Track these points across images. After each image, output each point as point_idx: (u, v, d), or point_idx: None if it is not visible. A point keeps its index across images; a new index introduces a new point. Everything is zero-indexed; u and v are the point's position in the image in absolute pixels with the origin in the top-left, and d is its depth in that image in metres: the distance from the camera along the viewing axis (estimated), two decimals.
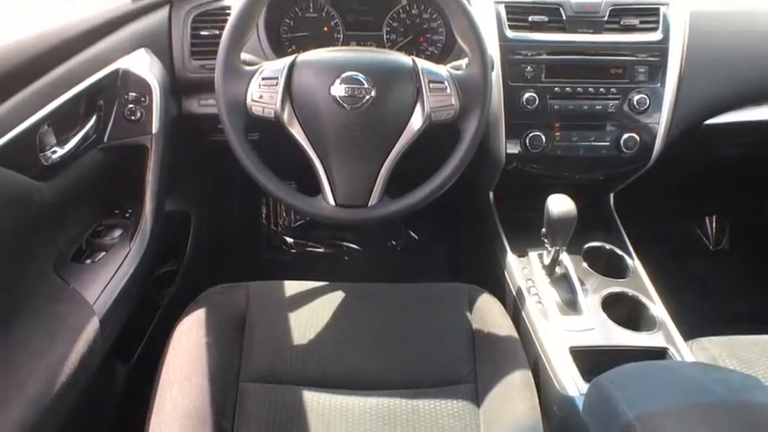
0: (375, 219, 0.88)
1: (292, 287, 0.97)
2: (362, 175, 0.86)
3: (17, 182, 0.70)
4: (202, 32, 1.05)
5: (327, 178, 0.86)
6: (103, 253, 0.89)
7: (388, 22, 1.18)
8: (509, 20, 1.04)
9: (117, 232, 0.93)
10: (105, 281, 0.84)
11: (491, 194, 1.23)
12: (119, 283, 0.85)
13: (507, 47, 1.03)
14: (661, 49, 1.04)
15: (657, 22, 1.05)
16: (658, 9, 1.06)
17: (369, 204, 0.87)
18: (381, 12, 1.17)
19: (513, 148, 1.07)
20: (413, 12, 1.17)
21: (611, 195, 1.25)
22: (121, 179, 0.96)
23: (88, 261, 0.88)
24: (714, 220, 1.78)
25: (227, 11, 1.06)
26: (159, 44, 1.02)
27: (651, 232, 1.54)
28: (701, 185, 1.60)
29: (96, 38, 0.87)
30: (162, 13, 1.05)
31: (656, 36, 1.05)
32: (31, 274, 0.78)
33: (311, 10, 1.17)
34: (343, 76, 0.82)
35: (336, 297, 0.96)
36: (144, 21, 1.00)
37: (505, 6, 1.04)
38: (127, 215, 0.96)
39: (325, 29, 1.18)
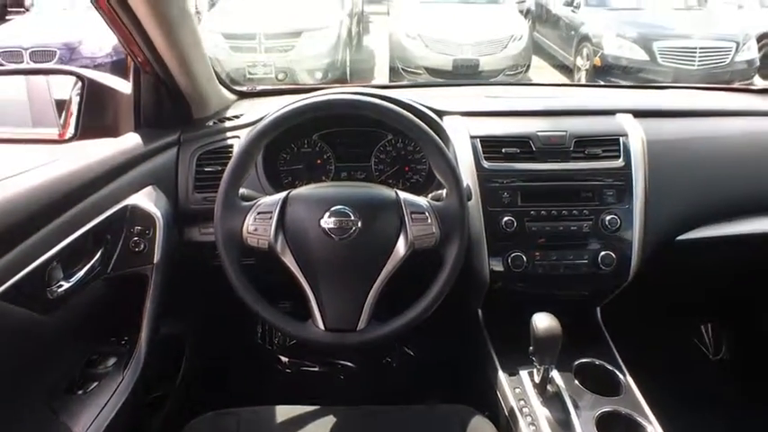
0: (363, 343, 0.91)
1: (284, 413, 0.97)
2: (351, 300, 0.90)
3: (20, 318, 0.74)
4: (206, 168, 1.16)
5: (317, 304, 0.90)
6: (96, 383, 0.90)
7: (375, 155, 1.29)
8: (485, 152, 1.15)
9: (111, 360, 0.95)
10: (95, 412, 0.84)
11: (480, 312, 1.26)
12: (109, 414, 0.86)
13: (484, 176, 1.13)
14: (625, 174, 1.14)
15: (618, 150, 1.16)
16: (618, 139, 1.17)
17: (357, 329, 0.90)
18: (369, 145, 1.29)
19: (497, 268, 1.13)
20: (398, 145, 1.29)
21: (598, 310, 1.28)
22: (120, 308, 1.00)
23: (80, 392, 0.89)
24: (711, 328, 1.78)
25: (230, 149, 1.17)
26: (166, 180, 1.12)
27: (647, 344, 1.54)
28: (694, 295, 1.63)
29: (110, 179, 0.97)
30: (170, 153, 1.16)
31: (618, 163, 1.15)
32: (20, 409, 0.78)
33: (306, 145, 1.29)
34: (332, 209, 0.90)
35: (328, 422, 0.95)
36: (154, 161, 1.11)
37: (481, 140, 1.16)
38: (123, 342, 0.99)
39: (319, 161, 1.30)
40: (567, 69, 6.43)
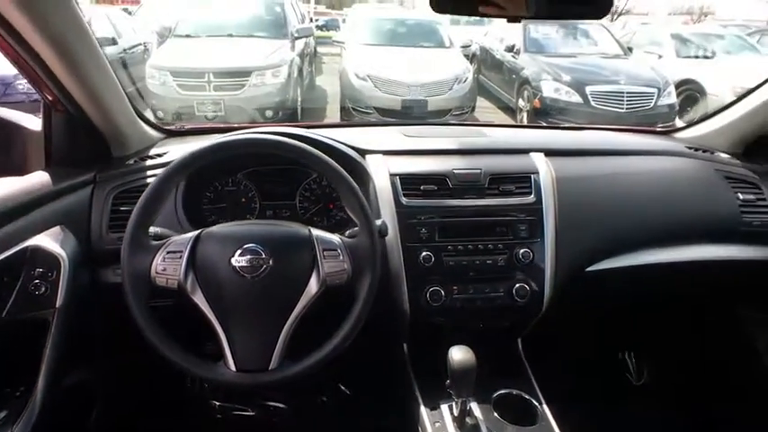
0: (276, 382, 0.90)
1: None
2: (263, 339, 0.90)
3: None
4: (122, 208, 1.13)
5: (229, 344, 0.89)
6: None
7: (300, 193, 1.31)
8: (403, 189, 1.18)
9: (1, 414, 0.89)
10: None
11: (405, 346, 1.27)
12: None
13: (403, 212, 1.16)
14: (536, 210, 1.20)
15: (530, 186, 1.22)
16: (530, 176, 1.24)
17: (269, 368, 0.89)
18: (294, 183, 1.31)
19: (416, 303, 1.15)
20: (322, 183, 1.31)
21: (519, 341, 1.31)
22: (16, 355, 0.95)
23: None
24: (633, 355, 1.85)
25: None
26: (77, 220, 1.09)
27: (571, 373, 1.59)
28: (613, 324, 1.70)
29: (9, 219, 0.93)
30: (84, 192, 1.13)
31: (530, 199, 1.21)
32: None
33: (230, 184, 1.29)
34: (244, 247, 0.90)
35: None
36: (64, 200, 1.08)
37: (400, 178, 1.19)
38: (18, 394, 0.93)
39: (244, 200, 1.30)
40: (510, 110, 6.75)
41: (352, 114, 5.83)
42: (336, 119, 6.15)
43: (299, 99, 6.01)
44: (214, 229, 0.95)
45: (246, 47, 5.80)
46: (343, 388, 1.72)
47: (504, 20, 0.88)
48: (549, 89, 5.91)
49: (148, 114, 1.39)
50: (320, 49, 9.46)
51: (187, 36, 6.05)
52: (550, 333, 1.34)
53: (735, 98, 1.46)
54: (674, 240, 1.29)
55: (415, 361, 1.25)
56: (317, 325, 0.94)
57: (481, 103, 6.86)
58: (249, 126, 1.48)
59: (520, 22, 0.87)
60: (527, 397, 1.14)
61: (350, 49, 6.40)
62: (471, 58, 8.01)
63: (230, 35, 6.03)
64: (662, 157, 1.42)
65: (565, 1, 0.85)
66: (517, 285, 1.17)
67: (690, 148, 1.47)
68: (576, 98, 5.79)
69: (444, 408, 1.10)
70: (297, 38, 6.29)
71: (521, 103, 6.37)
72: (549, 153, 1.31)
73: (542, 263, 1.18)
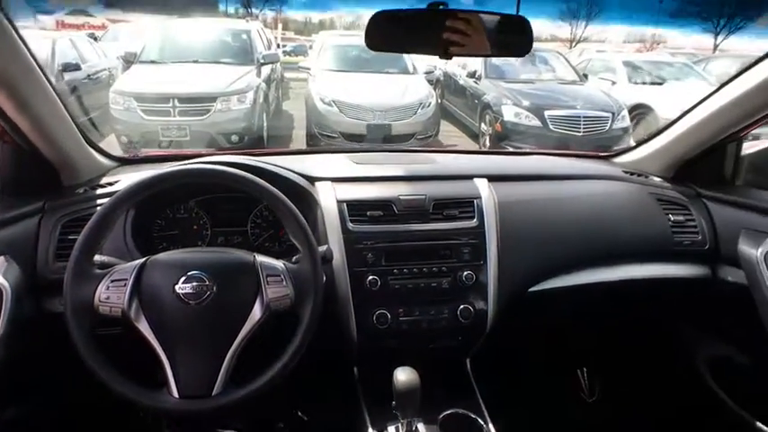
0: (220, 408, 0.91)
1: None
2: (206, 365, 0.91)
3: None
4: (69, 236, 1.13)
5: (172, 371, 0.90)
6: None
7: (252, 219, 1.33)
8: (350, 215, 1.22)
9: None
10: None
11: (356, 369, 1.29)
12: None
13: (350, 238, 1.20)
14: (479, 233, 1.25)
15: (473, 211, 1.28)
16: (473, 201, 1.29)
17: (213, 394, 0.90)
18: (246, 210, 1.33)
19: (363, 326, 1.18)
20: (271, 207, 1.34)
21: (468, 361, 1.35)
22: None
23: None
24: (585, 372, 1.91)
25: None
26: (23, 250, 1.09)
27: (523, 391, 1.63)
28: (564, 340, 1.76)
29: None
30: (31, 221, 1.13)
31: (473, 223, 1.27)
32: None
33: (182, 211, 1.31)
34: (188, 275, 0.92)
35: None
36: (9, 230, 1.08)
37: (347, 204, 1.23)
38: None
39: (195, 227, 1.31)
40: (473, 134, 6.93)
41: (318, 139, 5.89)
42: (303, 143, 6.20)
43: (266, 124, 6.05)
44: (160, 256, 0.96)
45: (212, 73, 5.83)
46: (300, 414, 1.71)
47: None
48: (510, 114, 6.11)
49: (112, 139, 1.40)
50: (287, 75, 9.54)
51: (152, 62, 6.04)
52: (501, 352, 1.38)
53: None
54: (611, 260, 1.37)
55: (365, 384, 1.27)
56: (263, 350, 0.95)
57: (446, 127, 7.03)
58: (206, 154, 1.50)
59: (451, 59, 0.93)
60: (473, 416, 1.17)
61: (316, 74, 6.49)
62: (435, 83, 8.22)
63: (196, 61, 6.04)
64: (600, 181, 1.51)
65: (490, 42, 0.92)
66: (461, 306, 1.21)
67: (626, 172, 1.56)
68: (536, 122, 6.00)
69: (391, 429, 1.12)
70: (263, 64, 6.36)
71: (483, 127, 6.56)
72: (492, 178, 1.37)
73: (485, 284, 1.23)
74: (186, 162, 1.10)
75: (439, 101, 6.65)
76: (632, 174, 1.55)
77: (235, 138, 5.48)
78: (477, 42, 0.91)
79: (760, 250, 1.23)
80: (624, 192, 1.47)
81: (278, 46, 9.28)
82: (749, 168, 1.41)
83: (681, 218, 1.42)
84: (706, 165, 1.46)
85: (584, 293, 1.36)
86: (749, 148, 1.42)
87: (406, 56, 6.93)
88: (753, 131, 1.38)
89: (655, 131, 1.60)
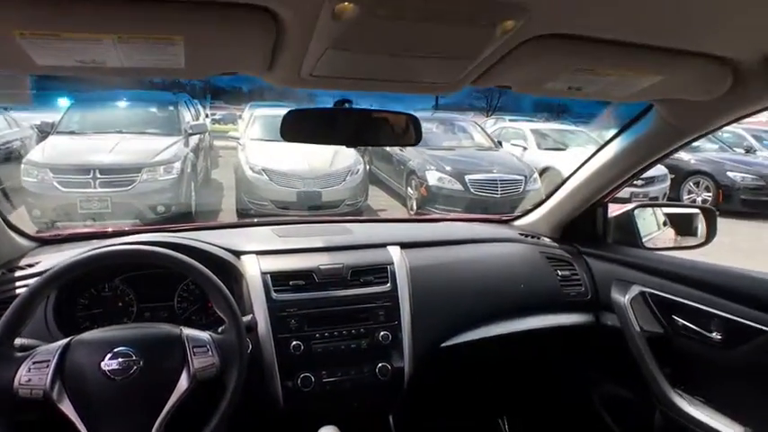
0: None
1: None
2: None
3: None
4: None
5: None
6: None
7: (179, 293, 1.39)
8: (274, 285, 1.32)
9: None
10: None
11: None
12: None
13: (274, 307, 1.29)
14: (393, 296, 1.39)
15: (387, 276, 1.42)
16: (387, 267, 1.43)
17: None
18: (173, 284, 1.38)
19: (288, 390, 1.24)
20: (196, 282, 1.40)
21: (391, 417, 1.44)
22: None
23: None
24: (506, 420, 2.03)
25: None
26: None
27: None
28: (482, 391, 1.88)
29: None
30: None
31: (387, 287, 1.40)
32: None
33: (106, 289, 1.34)
34: (114, 351, 0.97)
35: None
36: None
37: (271, 275, 1.33)
38: None
39: (120, 304, 1.34)
40: (401, 198, 7.26)
41: (249, 207, 5.93)
42: (233, 212, 6.20)
43: (194, 194, 6.01)
44: (85, 335, 1.00)
45: (137, 143, 5.77)
46: None
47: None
48: (434, 178, 6.51)
49: (23, 213, 1.40)
50: (217, 143, 9.60)
51: (72, 132, 5.91)
52: (422, 406, 1.48)
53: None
54: (511, 314, 1.53)
55: None
56: (190, 419, 1.00)
57: (374, 192, 7.32)
58: (129, 230, 1.54)
59: (355, 147, 1.10)
60: None
61: (245, 144, 6.61)
62: (363, 150, 8.60)
63: (120, 132, 5.98)
64: (499, 243, 1.71)
65: (386, 134, 1.10)
66: (380, 365, 1.32)
67: (522, 234, 1.78)
68: (458, 186, 6.42)
69: None
70: (191, 134, 6.40)
71: (410, 191, 6.90)
72: (404, 245, 1.52)
73: (401, 343, 1.35)
74: (112, 243, 1.16)
75: (367, 167, 6.96)
76: (527, 236, 1.77)
77: (161, 208, 5.40)
78: (375, 135, 1.09)
79: (627, 297, 1.45)
80: (520, 252, 1.67)
81: (206, 116, 9.37)
82: (615, 228, 1.67)
83: (567, 273, 1.63)
84: (584, 226, 1.70)
85: (490, 345, 1.51)
86: (614, 212, 1.68)
87: None
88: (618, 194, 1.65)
89: (543, 197, 1.85)
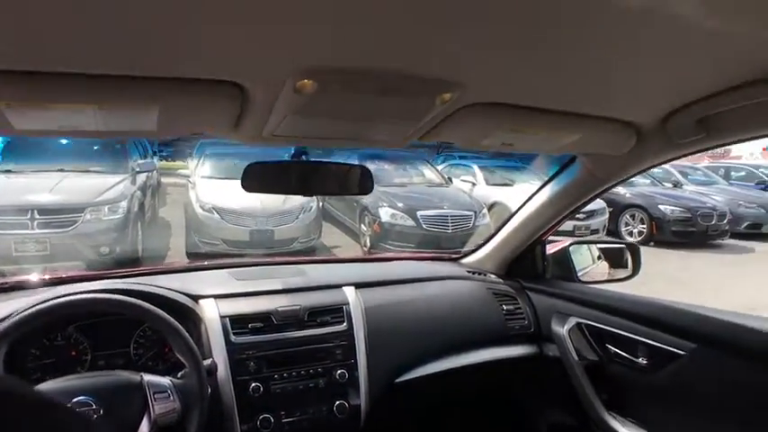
0: None
1: None
2: None
3: None
4: None
5: None
6: None
7: (135, 339, 1.39)
8: (233, 328, 1.35)
9: None
10: None
11: None
12: None
13: (233, 349, 1.31)
14: (349, 336, 1.45)
15: (343, 316, 1.48)
16: (342, 307, 1.49)
17: None
18: (129, 331, 1.38)
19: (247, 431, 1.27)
20: (156, 328, 1.41)
21: None
22: None
23: None
24: None
25: None
26: None
27: None
28: (437, 425, 1.93)
29: None
30: None
31: (343, 327, 1.46)
32: None
33: (59, 338, 1.32)
34: (73, 401, 0.97)
35: None
36: None
37: (230, 319, 1.36)
38: None
39: (74, 353, 1.33)
40: (354, 234, 7.33)
41: (199, 247, 5.82)
42: (182, 252, 6.06)
43: (140, 234, 5.85)
44: (42, 387, 1.00)
45: (80, 182, 5.60)
46: None
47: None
48: (387, 215, 6.65)
49: None
50: (165, 180, 9.40)
51: (8, 171, 5.66)
52: None
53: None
54: (461, 348, 1.62)
55: None
56: None
57: (328, 228, 7.36)
58: (82, 277, 1.53)
59: (312, 196, 1.18)
60: None
61: (196, 182, 6.54)
62: None
63: (62, 170, 5.78)
64: (449, 280, 1.80)
65: (340, 185, 1.19)
66: (337, 403, 1.36)
67: (469, 271, 1.89)
68: (410, 222, 6.58)
69: None
70: (138, 172, 6.28)
71: (363, 228, 7.00)
72: (359, 285, 1.59)
73: (357, 380, 1.40)
74: (66, 294, 1.16)
75: (320, 204, 7.04)
76: (474, 273, 1.88)
77: (105, 249, 5.21)
78: (330, 185, 1.17)
79: (565, 328, 1.57)
80: (468, 289, 1.78)
81: (154, 153, 9.20)
82: (553, 264, 1.81)
83: (511, 307, 1.74)
84: (526, 263, 1.83)
85: (442, 379, 1.59)
86: (552, 248, 1.83)
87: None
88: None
89: (489, 236, 1.98)
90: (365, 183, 1.19)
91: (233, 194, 6.16)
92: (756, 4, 0.59)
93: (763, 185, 11.20)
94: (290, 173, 1.12)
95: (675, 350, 1.29)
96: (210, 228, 5.84)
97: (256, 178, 1.12)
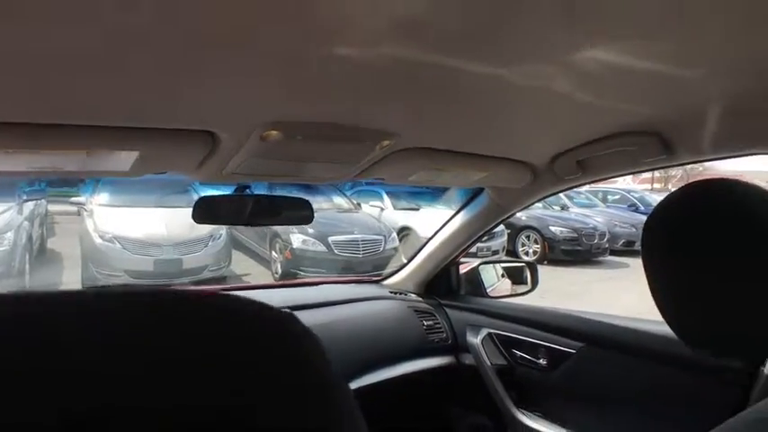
0: None
1: None
2: None
3: None
4: None
5: None
6: None
7: None
8: None
9: None
10: None
11: None
12: None
13: None
14: None
15: None
16: None
17: None
18: None
19: None
20: None
21: None
22: None
23: None
24: None
25: None
26: None
27: None
28: None
29: None
30: None
31: None
32: None
33: None
34: None
35: None
36: None
37: None
38: None
39: None
40: (265, 261, 7.25)
41: (97, 279, 5.44)
42: (77, 284, 5.62)
43: (28, 267, 5.36)
44: None
45: None
46: None
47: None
48: (298, 241, 6.68)
49: None
50: (53, 207, 8.63)
51: None
52: None
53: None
54: (386, 363, 1.76)
55: None
56: None
57: (238, 256, 7.21)
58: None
59: (256, 226, 1.27)
60: None
61: (93, 210, 6.14)
62: None
63: None
64: (374, 301, 1.95)
65: (284, 216, 1.30)
66: None
67: (392, 292, 2.05)
68: (322, 248, 6.66)
69: None
70: (26, 200, 5.78)
71: (274, 254, 6.95)
72: (294, 308, 1.67)
73: None
74: None
75: (230, 231, 6.89)
76: (396, 293, 2.05)
77: None
78: (275, 215, 1.27)
79: (478, 338, 1.78)
80: (391, 308, 1.94)
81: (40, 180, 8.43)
82: (466, 282, 2.03)
83: (431, 322, 1.93)
84: (442, 282, 2.04)
85: (370, 394, 1.71)
86: (463, 269, 2.05)
87: (192, 189, 7.09)
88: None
89: (408, 258, 2.16)
90: (307, 213, 1.31)
91: (135, 222, 5.88)
92: (613, 79, 0.82)
93: (633, 207, 12.77)
94: (239, 205, 1.21)
95: (568, 350, 1.54)
96: (111, 258, 5.49)
97: (207, 210, 1.19)
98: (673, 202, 0.65)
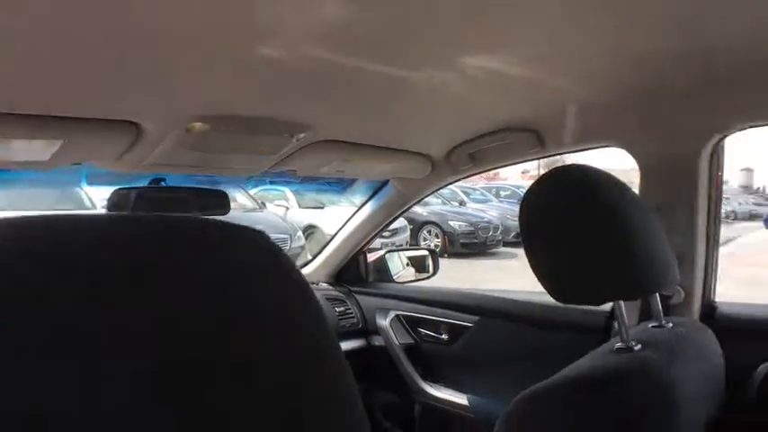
0: None
1: None
2: None
3: None
4: None
5: None
6: None
7: None
8: None
9: None
10: None
11: None
12: None
13: None
14: None
15: None
16: None
17: None
18: None
19: None
20: None
21: None
22: None
23: None
24: None
25: None
26: None
27: None
28: None
29: None
30: None
31: None
32: None
33: None
34: None
35: None
36: None
37: None
38: None
39: None
40: None
41: None
42: None
43: None
44: None
45: None
46: None
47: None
48: None
49: None
50: None
51: None
52: None
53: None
54: None
55: None
56: None
57: None
58: None
59: None
60: None
61: None
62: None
63: None
64: None
65: (200, 206, 1.32)
66: None
67: None
68: None
69: None
70: None
71: None
72: None
73: None
74: None
75: None
76: (310, 283, 2.13)
77: None
78: (192, 206, 1.29)
79: (387, 320, 1.92)
80: None
81: None
82: (374, 270, 2.17)
83: (342, 309, 2.03)
84: (351, 270, 2.15)
85: None
86: (371, 257, 2.19)
87: (81, 190, 6.54)
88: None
89: (318, 250, 2.24)
90: (223, 203, 1.34)
91: None
92: (497, 82, 0.98)
93: None
94: (152, 196, 1.22)
95: (466, 324, 1.72)
96: None
97: (123, 202, 1.19)
98: (541, 184, 0.82)
